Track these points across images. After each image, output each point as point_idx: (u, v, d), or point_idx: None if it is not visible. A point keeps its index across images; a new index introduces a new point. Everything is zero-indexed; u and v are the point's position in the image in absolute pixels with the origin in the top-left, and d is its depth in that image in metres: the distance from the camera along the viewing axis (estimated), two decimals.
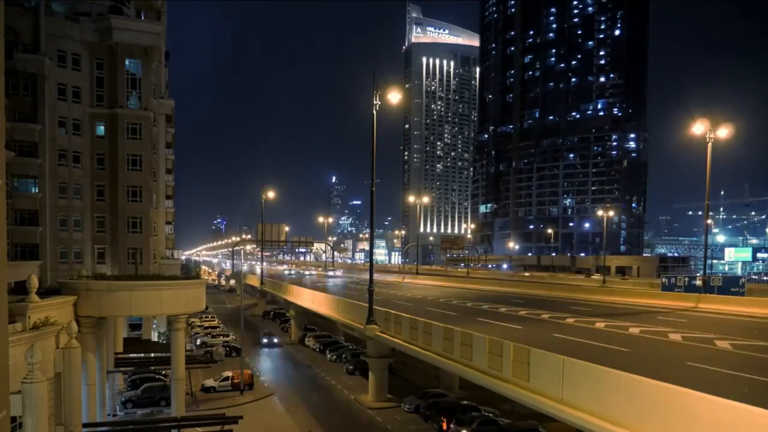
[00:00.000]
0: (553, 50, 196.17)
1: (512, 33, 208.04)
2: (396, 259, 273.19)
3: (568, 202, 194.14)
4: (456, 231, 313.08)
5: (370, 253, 41.24)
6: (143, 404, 38.38)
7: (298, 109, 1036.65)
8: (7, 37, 33.70)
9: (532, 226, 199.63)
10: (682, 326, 31.95)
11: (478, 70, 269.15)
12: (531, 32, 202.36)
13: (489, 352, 22.99)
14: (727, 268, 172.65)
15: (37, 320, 21.85)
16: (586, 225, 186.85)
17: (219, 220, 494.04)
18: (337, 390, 45.96)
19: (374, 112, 35.05)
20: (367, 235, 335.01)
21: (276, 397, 43.51)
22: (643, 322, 33.79)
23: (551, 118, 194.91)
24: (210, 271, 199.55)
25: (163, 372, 41.44)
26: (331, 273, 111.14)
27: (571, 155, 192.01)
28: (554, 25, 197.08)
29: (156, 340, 54.36)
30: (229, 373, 45.04)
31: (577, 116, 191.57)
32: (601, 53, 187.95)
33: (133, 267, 43.49)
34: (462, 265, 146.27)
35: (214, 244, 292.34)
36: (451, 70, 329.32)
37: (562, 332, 29.99)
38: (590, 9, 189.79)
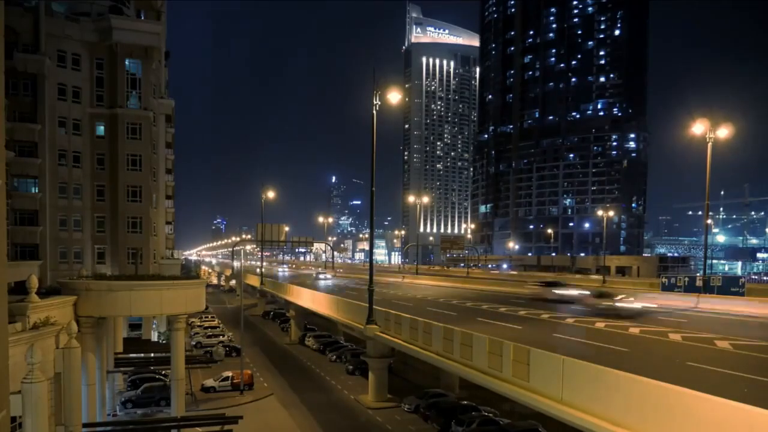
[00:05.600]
0: (553, 50, 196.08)
1: (512, 33, 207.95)
2: (396, 259, 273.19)
3: (568, 202, 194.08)
4: (456, 231, 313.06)
5: (370, 253, 41.24)
6: (143, 404, 38.40)
7: (298, 108, 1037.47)
8: (7, 37, 33.70)
9: (531, 226, 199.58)
10: (682, 326, 31.94)
11: (478, 70, 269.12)
12: (531, 32, 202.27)
13: (489, 352, 22.99)
14: (727, 267, 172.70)
15: (37, 320, 21.85)
16: (586, 225, 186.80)
17: (219, 220, 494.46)
18: (337, 390, 45.96)
19: (374, 112, 35.04)
20: (367, 235, 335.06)
21: (276, 397, 43.52)
22: (643, 322, 33.78)
23: (551, 118, 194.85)
24: (210, 270, 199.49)
25: (163, 372, 41.45)
26: (322, 276, 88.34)
27: (571, 155, 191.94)
28: (554, 25, 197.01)
29: (156, 340, 54.36)
30: (229, 373, 45.06)
31: (577, 116, 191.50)
32: (601, 53, 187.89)
33: (133, 267, 43.52)
34: (462, 265, 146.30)
35: (214, 244, 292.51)
36: (451, 70, 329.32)
37: (562, 332, 29.98)
38: (590, 9, 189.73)
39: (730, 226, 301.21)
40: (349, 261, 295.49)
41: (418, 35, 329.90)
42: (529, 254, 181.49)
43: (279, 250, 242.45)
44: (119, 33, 48.34)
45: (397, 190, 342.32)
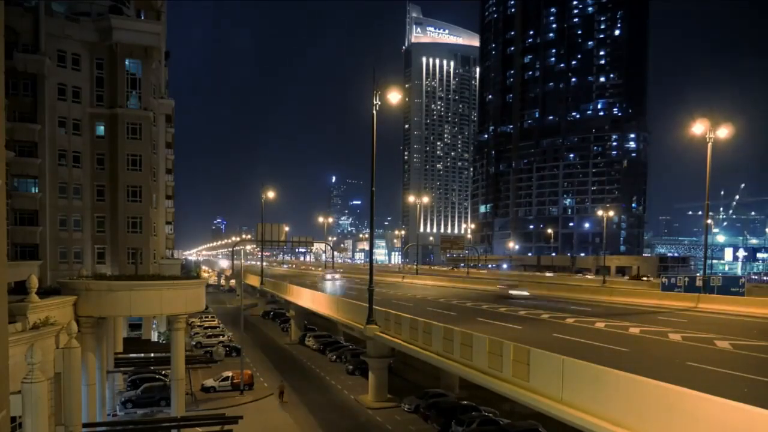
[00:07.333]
0: (553, 50, 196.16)
1: (512, 33, 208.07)
2: (396, 259, 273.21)
3: (568, 202, 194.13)
4: (456, 231, 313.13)
5: (370, 253, 41.22)
6: (143, 404, 38.38)
7: (298, 108, 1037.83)
8: (7, 37, 33.68)
9: (531, 226, 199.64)
10: (682, 326, 31.96)
11: (478, 70, 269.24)
12: (531, 32, 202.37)
13: (489, 352, 22.99)
14: (727, 268, 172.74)
15: (37, 320, 21.84)
16: (586, 225, 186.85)
17: (219, 221, 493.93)
18: (337, 390, 45.95)
19: (374, 112, 35.04)
20: (367, 235, 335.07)
21: (276, 397, 43.47)
22: (643, 322, 33.80)
23: (551, 118, 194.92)
24: (210, 270, 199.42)
25: (163, 372, 41.44)
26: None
27: (571, 155, 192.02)
28: (554, 25, 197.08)
29: (156, 340, 54.35)
30: (229, 373, 45.03)
31: (577, 116, 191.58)
32: (601, 53, 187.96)
33: (133, 267, 43.50)
34: (462, 265, 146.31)
35: (214, 244, 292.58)
36: (451, 70, 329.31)
37: (562, 332, 30.00)
38: (590, 9, 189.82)
39: (725, 224, 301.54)
40: (349, 261, 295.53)
41: (418, 35, 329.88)
42: (529, 254, 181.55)
43: (279, 250, 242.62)
44: (119, 33, 48.30)
45: (397, 190, 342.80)
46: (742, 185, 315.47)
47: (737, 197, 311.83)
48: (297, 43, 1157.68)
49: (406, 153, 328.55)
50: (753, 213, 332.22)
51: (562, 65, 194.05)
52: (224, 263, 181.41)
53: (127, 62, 48.99)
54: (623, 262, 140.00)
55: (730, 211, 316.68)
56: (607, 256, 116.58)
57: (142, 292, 29.73)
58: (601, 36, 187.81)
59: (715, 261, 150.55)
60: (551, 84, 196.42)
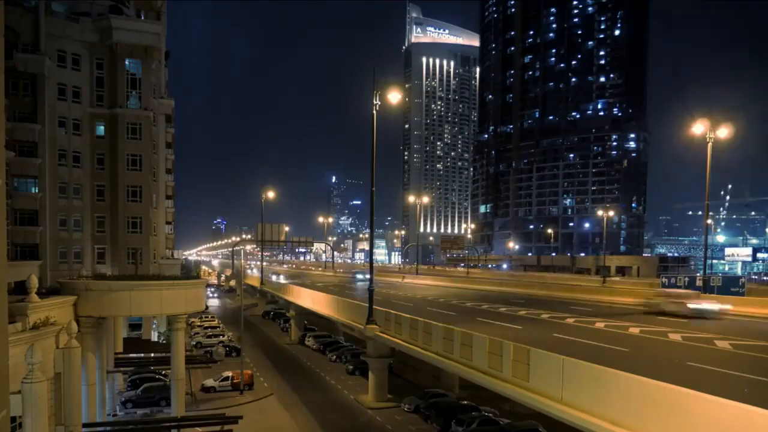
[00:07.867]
0: (553, 50, 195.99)
1: (512, 33, 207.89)
2: (396, 259, 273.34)
3: (568, 202, 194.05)
4: (456, 231, 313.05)
5: (370, 253, 41.25)
6: (143, 404, 38.38)
7: (298, 108, 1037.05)
8: (7, 37, 33.62)
9: (532, 226, 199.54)
10: (681, 326, 31.96)
11: (478, 70, 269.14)
12: (531, 32, 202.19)
13: (489, 352, 22.99)
14: (727, 268, 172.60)
15: (37, 320, 21.84)
16: (586, 225, 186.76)
17: (219, 221, 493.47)
18: (337, 390, 45.96)
19: (374, 112, 35.05)
20: (367, 235, 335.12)
21: (276, 397, 43.52)
22: (643, 322, 33.80)
23: (551, 118, 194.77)
24: (209, 271, 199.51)
25: (163, 372, 41.45)
26: None
27: (571, 155, 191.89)
28: (554, 25, 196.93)
29: (156, 340, 54.35)
30: (229, 373, 45.03)
31: (577, 116, 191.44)
32: (601, 53, 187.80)
33: (133, 267, 43.52)
34: (462, 265, 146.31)
35: (214, 244, 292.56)
36: (451, 70, 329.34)
37: (562, 332, 30.01)
38: (590, 9, 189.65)
39: (724, 224, 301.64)
40: (349, 261, 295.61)
41: (418, 35, 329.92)
42: (529, 254, 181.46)
43: (279, 250, 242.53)
44: (119, 33, 48.32)
45: (397, 190, 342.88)
46: (730, 186, 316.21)
47: (728, 198, 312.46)
48: (297, 42, 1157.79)
49: (406, 153, 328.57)
50: (753, 213, 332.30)
51: (562, 65, 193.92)
52: (215, 262, 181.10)
53: (127, 62, 48.99)
54: (623, 262, 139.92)
55: (725, 212, 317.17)
56: (607, 256, 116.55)
57: (142, 292, 29.74)
58: (601, 36, 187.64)
59: (715, 261, 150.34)
60: (551, 84, 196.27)
